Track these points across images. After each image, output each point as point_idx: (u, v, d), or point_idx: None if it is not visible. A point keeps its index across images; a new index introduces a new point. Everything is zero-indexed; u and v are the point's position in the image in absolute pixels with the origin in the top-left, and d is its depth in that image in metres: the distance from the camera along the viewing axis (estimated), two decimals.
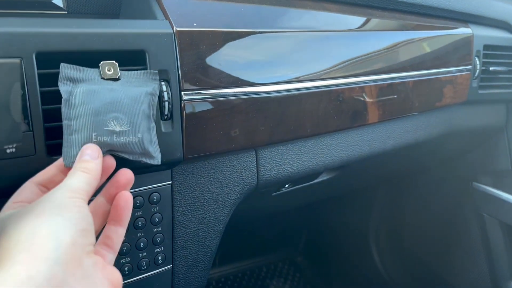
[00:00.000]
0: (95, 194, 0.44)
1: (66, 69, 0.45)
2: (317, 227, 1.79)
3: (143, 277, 0.60)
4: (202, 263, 0.69)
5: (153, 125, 0.49)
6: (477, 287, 1.33)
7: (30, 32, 0.44)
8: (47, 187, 0.44)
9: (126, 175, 0.46)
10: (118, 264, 0.57)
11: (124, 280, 0.55)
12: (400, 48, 0.83)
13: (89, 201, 0.42)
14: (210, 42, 0.57)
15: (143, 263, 0.59)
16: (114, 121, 0.44)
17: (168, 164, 0.56)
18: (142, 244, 0.59)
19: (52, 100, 0.46)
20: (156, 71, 0.51)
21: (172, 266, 0.64)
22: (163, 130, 0.53)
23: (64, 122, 0.44)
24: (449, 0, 0.96)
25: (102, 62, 0.47)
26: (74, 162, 0.43)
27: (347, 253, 1.69)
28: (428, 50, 0.89)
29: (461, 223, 1.37)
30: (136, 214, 0.57)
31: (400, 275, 1.56)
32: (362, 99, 0.77)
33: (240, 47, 0.60)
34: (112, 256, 0.45)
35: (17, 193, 0.42)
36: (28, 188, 0.43)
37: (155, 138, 0.49)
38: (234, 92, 0.60)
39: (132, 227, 0.57)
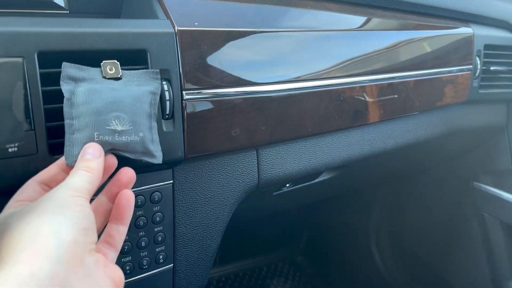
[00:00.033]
0: (97, 193, 0.45)
1: (68, 68, 0.45)
2: (318, 227, 1.79)
3: (144, 276, 0.60)
4: (203, 262, 0.69)
5: (155, 124, 0.49)
6: (478, 287, 1.33)
7: (32, 32, 0.45)
8: (49, 185, 0.44)
9: (128, 174, 0.46)
10: (119, 263, 0.57)
11: (125, 279, 0.55)
12: (401, 47, 0.83)
13: (91, 200, 0.42)
14: (211, 42, 0.57)
15: (145, 262, 0.60)
16: (116, 120, 0.45)
17: (169, 164, 0.56)
18: (143, 243, 0.59)
19: (54, 99, 0.46)
20: (158, 70, 0.51)
21: (173, 265, 0.64)
22: (164, 129, 0.53)
23: (66, 121, 0.44)
24: (450, 0, 0.96)
25: (103, 61, 0.47)
26: (76, 161, 0.43)
27: (347, 253, 1.69)
28: (428, 49, 0.89)
29: (461, 222, 1.37)
30: (137, 213, 0.57)
31: (401, 275, 1.56)
32: (363, 98, 0.77)
33: (241, 47, 0.60)
34: (114, 255, 0.45)
35: (19, 192, 0.42)
36: (30, 186, 0.43)
37: (156, 137, 0.49)
38: (235, 91, 0.60)
39: (134, 226, 0.57)
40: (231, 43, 0.59)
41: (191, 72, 0.55)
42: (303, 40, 0.68)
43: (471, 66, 1.00)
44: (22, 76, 0.44)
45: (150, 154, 0.48)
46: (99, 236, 0.45)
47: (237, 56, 0.60)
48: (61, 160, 0.45)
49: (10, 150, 0.44)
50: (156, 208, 0.59)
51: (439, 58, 0.91)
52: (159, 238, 0.60)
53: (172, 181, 0.61)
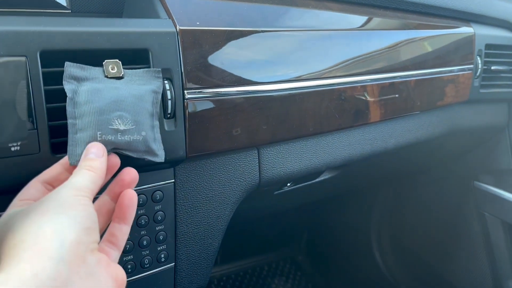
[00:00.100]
0: (100, 192, 0.45)
1: (70, 68, 0.45)
2: (319, 226, 1.79)
3: (146, 275, 0.60)
4: (205, 261, 0.69)
5: (157, 123, 0.49)
6: (478, 286, 1.33)
7: (35, 31, 0.45)
8: (53, 185, 0.44)
9: (131, 173, 0.46)
10: (121, 262, 0.57)
11: (127, 278, 0.55)
12: (402, 47, 0.83)
13: (94, 199, 0.42)
14: (213, 41, 0.57)
15: (146, 261, 0.60)
16: (119, 119, 0.45)
17: (171, 163, 0.57)
18: (145, 242, 0.59)
19: (56, 98, 0.46)
20: (159, 69, 0.51)
21: (174, 264, 0.64)
22: (166, 128, 0.53)
23: (69, 121, 0.44)
24: None
25: (106, 60, 0.48)
26: (79, 160, 0.43)
27: (348, 252, 1.70)
28: (430, 49, 0.89)
29: (462, 222, 1.37)
30: (139, 212, 0.58)
31: (401, 274, 1.56)
32: (364, 98, 0.77)
33: (242, 46, 0.61)
34: (116, 254, 0.45)
35: (23, 191, 0.43)
36: (33, 186, 0.43)
37: (158, 136, 0.50)
38: (237, 91, 0.60)
39: (135, 225, 0.58)
40: (232, 42, 0.59)
41: (193, 72, 0.55)
42: (304, 39, 0.68)
43: (472, 66, 1.00)
44: (24, 75, 0.44)
45: (152, 153, 0.48)
46: (102, 236, 0.45)
47: (239, 55, 0.60)
48: (65, 160, 0.45)
49: (12, 149, 0.44)
50: (157, 207, 0.59)
51: (440, 57, 0.92)
52: (161, 237, 0.61)
53: (173, 180, 0.61)
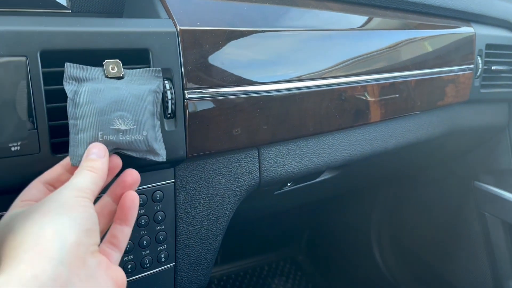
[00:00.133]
0: (101, 193, 0.45)
1: (70, 69, 0.45)
2: (319, 226, 1.79)
3: (146, 275, 0.61)
4: (205, 261, 0.69)
5: (158, 123, 0.49)
6: (479, 286, 1.33)
7: (35, 31, 0.45)
8: (54, 186, 0.44)
9: (133, 175, 0.46)
10: (121, 262, 0.57)
11: (127, 278, 0.55)
12: (402, 47, 0.83)
13: (96, 200, 0.42)
14: (213, 41, 0.57)
15: (146, 261, 0.60)
16: (120, 119, 0.45)
17: (171, 162, 0.57)
18: (145, 242, 0.59)
19: (56, 98, 0.46)
20: (159, 68, 0.51)
21: (174, 264, 0.64)
22: (166, 128, 0.53)
23: (70, 122, 0.44)
24: None
25: (106, 60, 0.48)
26: (81, 161, 0.43)
27: (348, 252, 1.69)
28: (430, 49, 0.89)
29: (462, 222, 1.37)
30: (139, 212, 0.57)
31: (401, 274, 1.56)
32: (364, 98, 0.77)
33: (243, 46, 0.61)
34: (117, 255, 0.45)
35: (24, 192, 0.43)
36: (35, 187, 0.43)
37: (160, 136, 0.50)
38: (237, 91, 0.60)
39: (135, 225, 0.58)
40: (232, 42, 0.59)
41: (193, 71, 0.55)
42: (305, 39, 0.68)
43: (472, 66, 1.00)
44: (25, 75, 0.44)
45: (154, 152, 0.48)
46: (103, 237, 0.45)
47: (239, 55, 0.60)
48: (66, 161, 0.45)
49: (12, 149, 0.44)
50: (157, 207, 0.59)
51: (440, 57, 0.91)
52: (161, 237, 0.61)
53: (173, 180, 0.61)
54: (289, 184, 0.88)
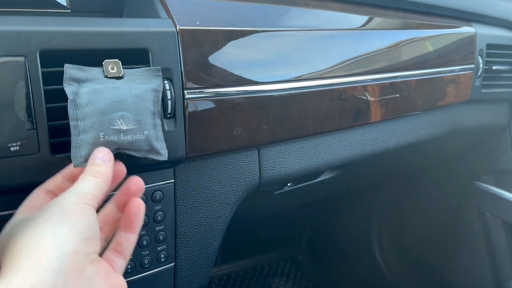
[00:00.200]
0: (106, 200, 0.45)
1: (70, 70, 0.45)
2: (319, 226, 1.79)
3: (145, 275, 0.60)
4: (205, 261, 0.69)
5: (159, 122, 0.49)
6: (479, 286, 1.33)
7: (34, 31, 0.45)
8: (56, 194, 0.44)
9: (137, 183, 0.46)
10: None
11: (126, 278, 0.55)
12: (403, 47, 0.83)
13: (101, 207, 0.42)
14: (213, 41, 0.57)
15: (146, 261, 0.60)
16: (121, 119, 0.45)
17: (171, 162, 0.56)
18: (144, 242, 0.59)
19: (56, 98, 0.46)
20: (159, 67, 0.51)
21: (174, 264, 0.64)
22: (166, 128, 0.53)
23: (71, 123, 0.44)
24: None
25: (105, 60, 0.47)
26: (82, 162, 0.43)
27: (348, 252, 1.69)
28: (431, 49, 0.89)
29: (463, 222, 1.37)
30: None
31: (402, 274, 1.56)
32: (364, 98, 0.77)
33: (242, 46, 0.60)
34: (122, 263, 0.45)
35: (28, 200, 0.43)
36: (38, 196, 0.43)
37: (161, 135, 0.50)
38: (237, 91, 0.60)
39: None
40: (232, 42, 0.59)
41: (193, 71, 0.55)
42: (305, 39, 0.68)
43: (473, 66, 1.00)
44: (24, 75, 0.44)
45: (155, 151, 0.48)
46: (108, 244, 0.45)
47: (239, 55, 0.60)
48: (65, 170, 0.45)
49: (12, 149, 0.44)
50: (157, 207, 0.59)
51: (441, 57, 0.91)
52: (161, 237, 0.60)
53: (173, 180, 0.61)
54: (289, 184, 0.88)
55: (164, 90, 0.52)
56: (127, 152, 0.47)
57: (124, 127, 0.45)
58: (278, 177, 0.73)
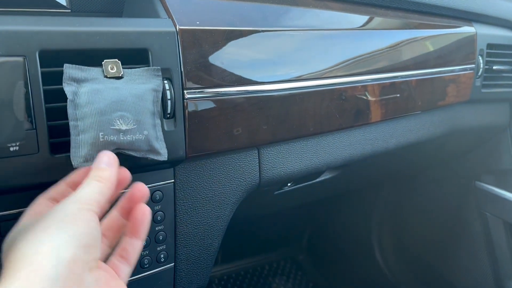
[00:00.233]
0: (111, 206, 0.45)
1: (69, 70, 0.45)
2: (319, 226, 1.79)
3: (145, 275, 0.60)
4: (204, 261, 0.69)
5: (158, 122, 0.49)
6: (480, 286, 1.33)
7: (34, 31, 0.44)
8: (59, 201, 0.43)
9: (142, 190, 0.46)
10: None
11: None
12: (403, 46, 0.83)
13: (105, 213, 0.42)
14: (213, 41, 0.57)
15: (146, 261, 0.60)
16: (120, 119, 0.45)
17: (171, 163, 0.56)
18: (144, 242, 0.59)
19: (55, 98, 0.46)
20: (159, 67, 0.51)
21: (174, 264, 0.64)
22: (165, 128, 0.53)
23: (71, 123, 0.44)
24: None
25: (105, 60, 0.47)
26: (82, 162, 0.43)
27: (349, 252, 1.69)
28: (431, 48, 0.89)
29: (463, 222, 1.37)
30: None
31: (402, 274, 1.56)
32: (365, 98, 0.77)
33: (242, 46, 0.60)
34: (127, 269, 0.44)
35: (32, 207, 0.42)
36: (42, 203, 0.43)
37: (160, 135, 0.50)
38: (237, 90, 0.60)
39: None
40: (232, 42, 0.59)
41: (193, 71, 0.55)
42: (305, 39, 0.68)
43: (473, 65, 1.00)
44: (23, 75, 0.44)
45: (155, 151, 0.48)
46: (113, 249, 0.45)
47: (239, 55, 0.60)
48: (68, 178, 0.45)
49: (11, 149, 0.44)
50: (157, 207, 0.59)
51: (441, 57, 0.91)
52: (160, 237, 0.60)
53: (173, 180, 0.61)
54: (289, 184, 0.88)
55: (164, 90, 0.52)
56: (126, 152, 0.47)
57: (123, 127, 0.45)
58: (278, 177, 0.73)
